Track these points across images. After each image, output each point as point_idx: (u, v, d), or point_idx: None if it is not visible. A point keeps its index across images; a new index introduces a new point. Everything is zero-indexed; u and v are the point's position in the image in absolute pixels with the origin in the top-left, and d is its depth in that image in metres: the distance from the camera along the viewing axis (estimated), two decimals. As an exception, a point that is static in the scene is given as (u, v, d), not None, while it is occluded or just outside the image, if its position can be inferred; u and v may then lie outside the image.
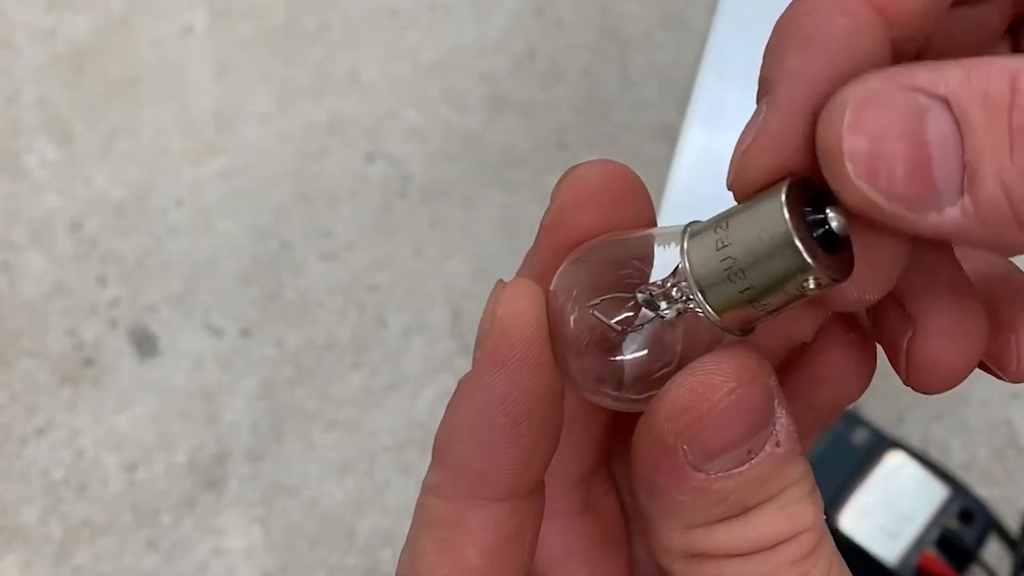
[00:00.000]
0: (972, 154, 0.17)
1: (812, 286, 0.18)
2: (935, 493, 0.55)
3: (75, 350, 0.70)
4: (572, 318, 0.21)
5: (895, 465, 0.56)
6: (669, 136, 0.75)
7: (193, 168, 0.77)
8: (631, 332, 0.20)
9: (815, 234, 0.19)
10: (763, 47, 0.21)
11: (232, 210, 0.75)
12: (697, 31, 0.80)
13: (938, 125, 0.17)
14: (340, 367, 0.69)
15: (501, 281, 0.21)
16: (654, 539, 0.21)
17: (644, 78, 0.78)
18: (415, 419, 0.67)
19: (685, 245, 0.20)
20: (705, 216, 0.21)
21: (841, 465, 0.56)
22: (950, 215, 0.17)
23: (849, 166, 0.18)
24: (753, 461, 0.19)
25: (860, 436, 0.57)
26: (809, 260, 0.18)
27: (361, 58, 0.81)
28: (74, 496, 0.65)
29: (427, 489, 0.21)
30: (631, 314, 0.20)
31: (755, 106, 0.21)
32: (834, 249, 0.19)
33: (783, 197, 0.18)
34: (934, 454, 0.62)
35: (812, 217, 0.19)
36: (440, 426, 0.21)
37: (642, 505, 0.21)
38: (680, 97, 0.77)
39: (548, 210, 0.23)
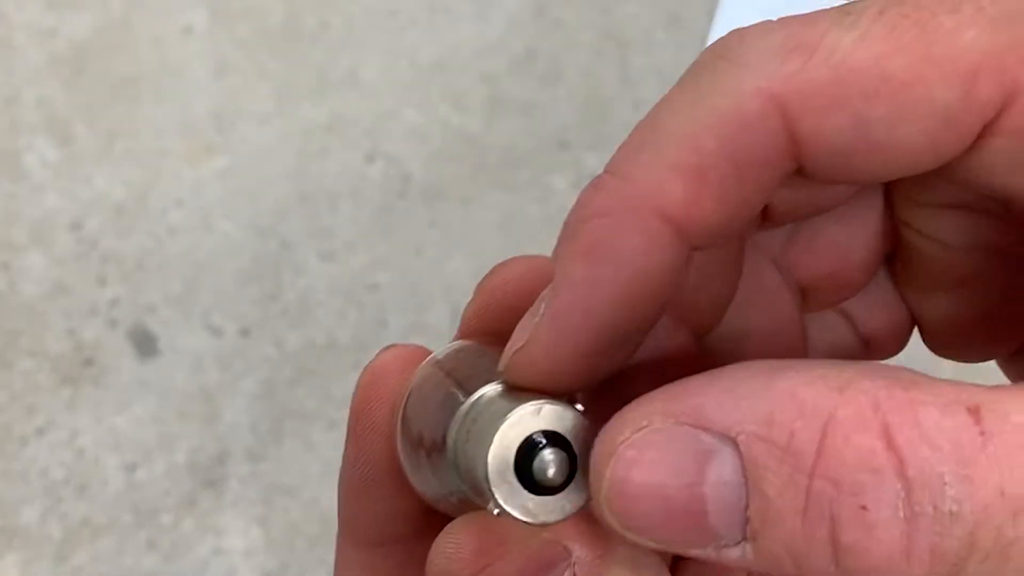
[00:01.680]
0: (757, 515, 0.15)
1: (495, 512, 0.18)
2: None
3: (75, 350, 0.70)
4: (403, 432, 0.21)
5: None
6: (669, 136, 0.75)
7: (193, 168, 0.77)
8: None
9: (527, 469, 0.17)
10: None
11: (232, 210, 0.75)
12: (697, 31, 0.80)
13: (721, 472, 0.15)
14: (340, 367, 0.69)
15: (390, 346, 0.22)
16: None
17: (644, 78, 0.78)
18: (415, 419, 0.67)
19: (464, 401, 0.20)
20: None
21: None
22: (729, 553, 0.15)
23: (604, 508, 0.16)
24: None
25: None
26: (493, 492, 0.17)
27: (361, 58, 0.81)
28: (74, 496, 0.65)
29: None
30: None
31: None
32: (550, 491, 0.18)
33: (502, 425, 0.17)
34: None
35: (533, 448, 0.17)
36: None
37: None
38: (680, 97, 0.77)
39: (471, 303, 0.22)
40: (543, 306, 0.18)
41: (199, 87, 0.80)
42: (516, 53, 0.80)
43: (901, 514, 0.14)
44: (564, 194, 0.73)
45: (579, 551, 0.19)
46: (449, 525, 0.19)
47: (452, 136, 0.77)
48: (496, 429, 0.17)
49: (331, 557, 0.65)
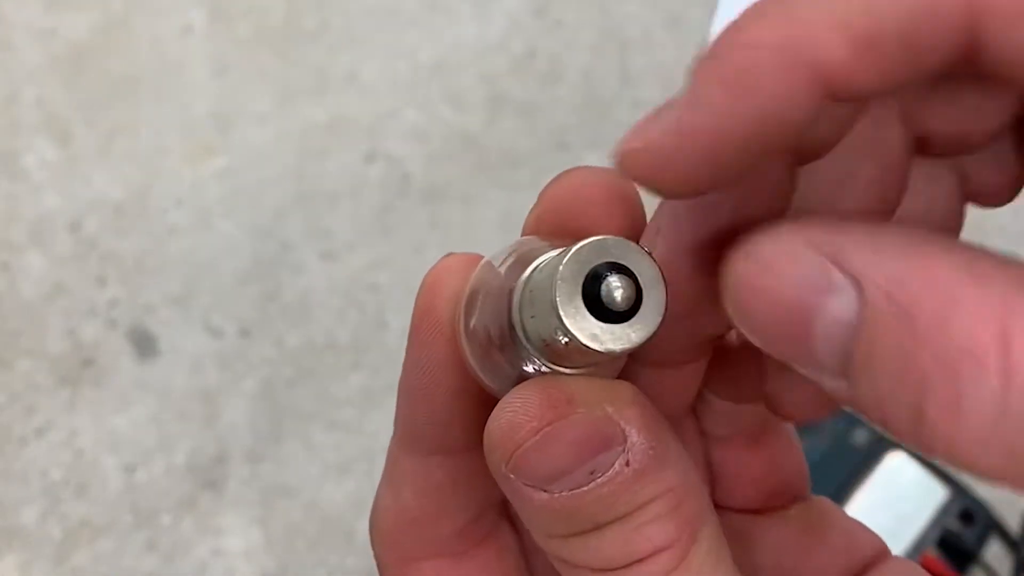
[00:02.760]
0: (859, 361, 0.16)
1: (564, 340, 0.18)
2: (935, 494, 0.55)
3: (74, 350, 0.70)
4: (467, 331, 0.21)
5: (895, 466, 0.56)
6: (669, 136, 0.75)
7: (193, 168, 0.77)
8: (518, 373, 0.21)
9: (593, 295, 0.18)
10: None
11: (232, 210, 0.75)
12: (697, 31, 0.80)
13: (839, 308, 0.16)
14: (340, 367, 0.69)
15: (450, 254, 0.21)
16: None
17: (644, 78, 0.78)
18: (415, 419, 0.67)
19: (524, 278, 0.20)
20: None
21: (841, 465, 0.56)
22: (828, 382, 0.16)
23: (727, 296, 0.17)
24: (598, 480, 0.19)
25: (860, 437, 0.57)
26: (561, 317, 0.18)
27: (361, 58, 0.81)
28: (74, 496, 0.65)
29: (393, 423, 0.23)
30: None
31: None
32: (618, 319, 0.18)
33: (563, 264, 0.18)
34: (935, 454, 0.62)
35: (599, 277, 0.18)
36: None
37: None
38: (680, 97, 0.77)
39: (533, 209, 0.23)
40: (669, 115, 0.18)
41: (199, 87, 0.80)
42: (516, 53, 0.80)
43: (991, 409, 0.14)
44: (564, 194, 0.73)
45: (635, 438, 0.19)
46: (517, 387, 0.20)
47: (452, 136, 0.77)
48: (562, 261, 0.18)
49: (331, 557, 0.65)
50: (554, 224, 0.22)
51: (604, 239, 0.18)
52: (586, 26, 0.81)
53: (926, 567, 0.53)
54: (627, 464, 0.19)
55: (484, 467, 0.21)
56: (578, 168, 0.22)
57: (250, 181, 0.76)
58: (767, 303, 0.17)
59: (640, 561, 0.19)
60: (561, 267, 0.18)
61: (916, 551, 0.53)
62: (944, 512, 0.54)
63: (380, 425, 0.67)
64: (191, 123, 0.78)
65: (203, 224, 0.74)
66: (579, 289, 0.18)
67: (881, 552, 0.24)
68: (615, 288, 0.18)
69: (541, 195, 0.22)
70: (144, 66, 0.81)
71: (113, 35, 0.83)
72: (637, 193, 0.21)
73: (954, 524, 0.54)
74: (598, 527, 0.19)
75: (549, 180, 0.21)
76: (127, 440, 0.67)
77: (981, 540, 0.55)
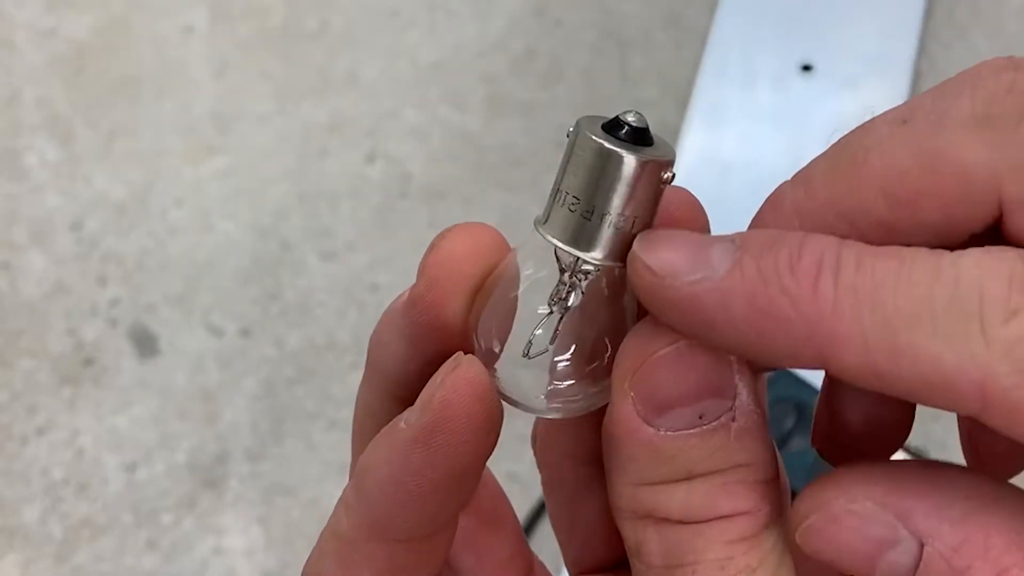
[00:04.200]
0: None
1: (639, 172, 0.20)
2: (935, 493, 0.55)
3: (75, 350, 0.70)
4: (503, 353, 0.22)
5: (895, 465, 0.56)
6: (669, 136, 0.75)
7: (193, 168, 0.77)
8: (555, 340, 0.21)
9: (621, 135, 0.20)
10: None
11: (232, 210, 0.75)
12: (697, 31, 0.80)
13: (899, 558, 0.19)
14: (340, 367, 0.69)
15: (459, 355, 0.21)
16: (611, 498, 0.21)
17: (644, 78, 0.78)
18: (415, 419, 0.67)
19: (539, 227, 0.21)
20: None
21: (841, 465, 0.56)
22: None
23: (804, 548, 0.19)
24: (704, 427, 0.20)
25: (860, 436, 0.57)
26: (623, 151, 0.20)
27: (361, 58, 0.81)
28: (74, 496, 0.65)
29: (341, 499, 0.23)
30: (549, 326, 0.21)
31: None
32: (645, 142, 0.20)
33: (581, 127, 0.20)
34: (934, 454, 0.62)
35: (609, 125, 0.20)
36: (366, 451, 0.22)
37: (605, 463, 0.21)
38: (680, 97, 0.77)
39: (417, 283, 0.23)
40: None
41: (199, 87, 0.80)
42: (516, 53, 0.80)
43: None
44: (564, 194, 0.73)
45: (744, 397, 0.20)
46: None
47: (452, 136, 0.77)
48: (579, 131, 0.20)
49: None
50: (442, 293, 0.22)
51: (583, 118, 0.21)
52: (586, 26, 0.81)
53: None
54: (733, 419, 0.20)
55: (447, 540, 0.22)
56: (458, 227, 0.23)
57: (250, 181, 0.76)
58: (840, 549, 0.19)
59: (722, 518, 0.20)
60: (582, 129, 0.20)
61: (915, 550, 0.53)
62: (943, 511, 0.54)
63: (380, 424, 0.67)
64: (192, 123, 0.78)
65: (203, 224, 0.74)
66: (616, 137, 0.20)
67: None
68: (628, 114, 0.20)
69: (422, 266, 0.23)
70: (145, 66, 0.81)
71: (114, 35, 0.83)
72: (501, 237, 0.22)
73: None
74: (690, 477, 0.20)
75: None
76: (128, 439, 0.67)
77: (980, 539, 0.55)
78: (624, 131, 0.20)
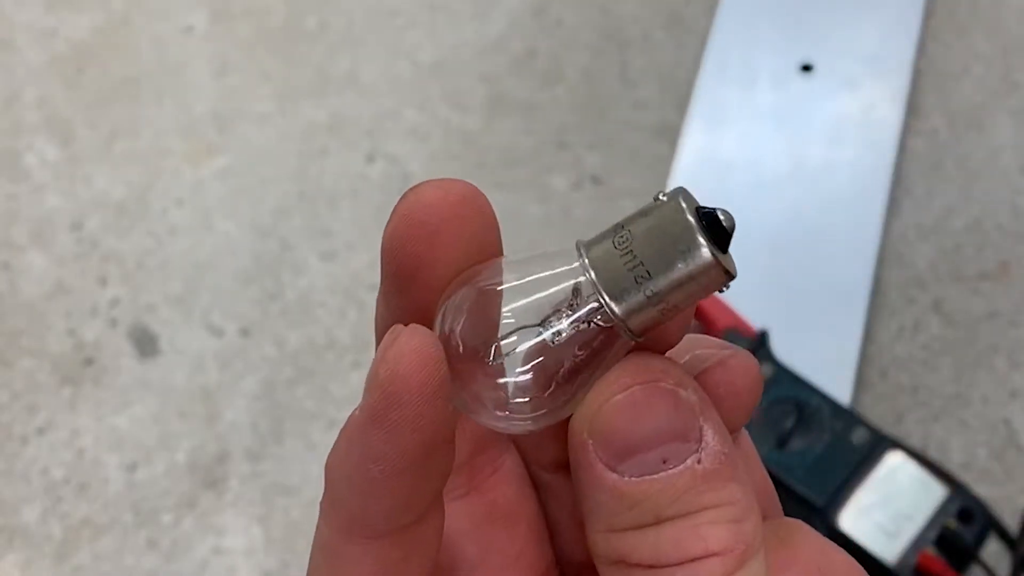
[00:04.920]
0: None
1: (687, 270, 0.20)
2: (934, 493, 0.55)
3: (75, 350, 0.70)
4: (467, 349, 0.21)
5: (894, 465, 0.56)
6: (669, 136, 0.75)
7: (193, 168, 0.77)
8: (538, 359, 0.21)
9: (706, 224, 0.20)
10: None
11: (232, 210, 0.75)
12: (697, 31, 0.80)
13: None
14: (340, 367, 0.69)
15: (398, 327, 0.20)
16: (589, 543, 0.21)
17: (644, 78, 0.78)
18: (415, 419, 0.67)
19: (585, 255, 0.20)
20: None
21: (841, 465, 0.56)
22: None
23: None
24: (669, 471, 0.20)
25: (859, 436, 0.57)
26: (704, 248, 0.19)
27: (361, 58, 0.81)
28: (74, 496, 0.65)
29: (320, 510, 0.22)
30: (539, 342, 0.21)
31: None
32: (724, 249, 0.20)
33: (681, 201, 0.20)
34: (933, 454, 0.62)
35: (705, 216, 0.20)
36: (329, 453, 0.22)
37: (578, 507, 0.21)
38: (680, 97, 0.77)
39: (388, 224, 0.22)
40: None
41: (199, 87, 0.80)
42: (516, 53, 0.80)
43: None
44: (564, 194, 0.73)
45: (710, 438, 0.20)
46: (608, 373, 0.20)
47: (452, 136, 0.77)
48: (678, 206, 0.20)
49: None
50: (410, 240, 0.21)
51: (681, 189, 0.20)
52: (586, 26, 0.81)
53: (925, 566, 0.53)
54: (699, 462, 0.20)
55: (435, 528, 0.22)
56: (429, 182, 0.22)
57: (250, 181, 0.76)
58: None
59: (691, 561, 0.20)
60: (682, 203, 0.20)
61: (915, 550, 0.53)
62: (943, 511, 0.54)
63: (380, 424, 0.67)
64: (192, 123, 0.78)
65: (204, 224, 0.74)
66: (707, 232, 0.20)
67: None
68: (723, 216, 0.20)
69: (394, 212, 0.22)
70: (145, 66, 0.81)
71: (114, 36, 0.83)
72: (485, 200, 0.22)
73: (953, 523, 0.54)
74: (658, 521, 0.20)
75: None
76: (128, 439, 0.67)
77: (980, 539, 0.55)
78: (712, 226, 0.20)
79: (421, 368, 0.19)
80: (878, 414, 0.64)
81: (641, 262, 0.20)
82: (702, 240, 0.19)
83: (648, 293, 0.20)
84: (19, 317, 0.71)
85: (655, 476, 0.20)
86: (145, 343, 0.70)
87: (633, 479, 0.20)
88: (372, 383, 0.20)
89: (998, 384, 0.65)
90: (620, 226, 0.20)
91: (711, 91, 0.77)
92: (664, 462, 0.20)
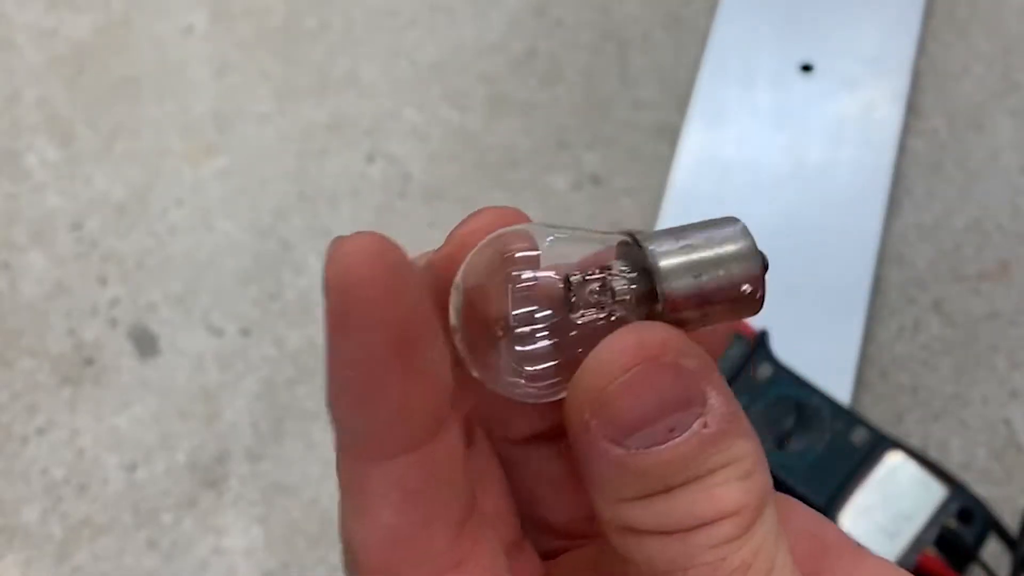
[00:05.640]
0: None
1: (749, 291, 0.20)
2: (934, 493, 0.55)
3: (75, 350, 0.70)
4: (484, 307, 0.21)
5: (894, 465, 0.56)
6: (669, 136, 0.75)
7: (193, 168, 0.77)
8: (555, 326, 0.21)
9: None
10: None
11: (232, 210, 0.75)
12: (697, 31, 0.80)
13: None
14: (340, 367, 0.69)
15: (338, 238, 0.20)
16: (595, 509, 0.21)
17: (644, 78, 0.78)
18: (415, 419, 0.67)
19: (647, 244, 0.21)
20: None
21: (840, 465, 0.56)
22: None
23: None
24: (675, 440, 0.19)
25: (859, 436, 0.57)
26: (759, 267, 0.21)
27: (361, 58, 0.81)
28: (74, 496, 0.65)
29: (336, 448, 0.22)
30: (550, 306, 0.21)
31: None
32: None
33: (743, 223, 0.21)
34: (933, 454, 0.62)
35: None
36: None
37: (582, 479, 0.21)
38: (680, 97, 0.77)
39: (443, 247, 0.23)
40: None
41: (199, 87, 0.80)
42: (516, 53, 0.80)
43: None
44: (564, 194, 0.73)
45: (715, 400, 0.20)
46: (613, 333, 0.20)
47: (452, 136, 0.77)
48: (738, 229, 0.21)
49: (332, 556, 0.65)
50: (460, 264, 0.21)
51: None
52: (586, 26, 0.81)
53: (925, 566, 0.53)
54: (705, 426, 0.19)
55: (454, 452, 0.21)
56: (487, 208, 0.23)
57: (250, 181, 0.76)
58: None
59: (705, 525, 0.20)
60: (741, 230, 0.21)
61: (915, 550, 0.53)
62: (943, 511, 0.54)
63: (380, 424, 0.67)
64: (192, 123, 0.78)
65: (204, 224, 0.74)
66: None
67: (844, 546, 0.24)
68: (763, 254, 0.21)
69: (451, 236, 0.22)
70: (145, 66, 0.81)
71: (114, 35, 0.83)
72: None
73: (953, 523, 0.54)
74: (668, 489, 0.20)
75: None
76: (128, 439, 0.67)
77: (980, 539, 0.55)
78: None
79: (371, 262, 0.19)
80: (878, 414, 0.64)
81: (689, 242, 0.20)
82: (751, 236, 0.21)
83: (701, 285, 0.20)
84: (19, 317, 0.71)
85: (662, 446, 0.19)
86: (145, 343, 0.70)
87: (640, 451, 0.19)
88: (324, 288, 0.19)
89: (998, 384, 0.65)
90: (677, 228, 0.21)
91: (711, 91, 0.77)
92: (671, 431, 0.19)
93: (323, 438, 0.67)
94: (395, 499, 0.21)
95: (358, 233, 0.19)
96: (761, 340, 0.61)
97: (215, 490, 0.65)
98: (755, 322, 0.62)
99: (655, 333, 0.20)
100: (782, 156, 0.74)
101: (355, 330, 0.19)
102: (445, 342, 0.20)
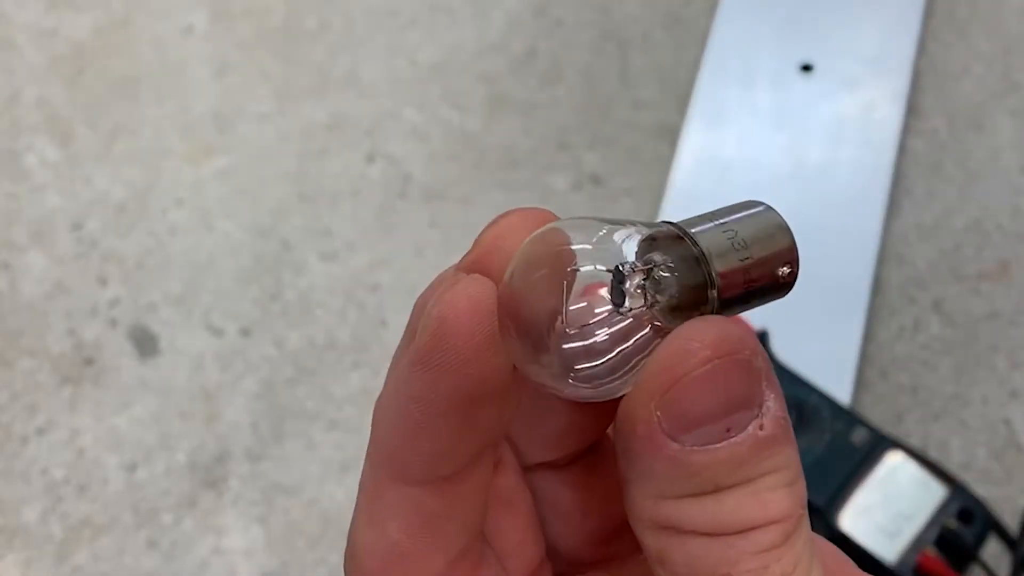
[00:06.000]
0: None
1: (787, 272, 0.21)
2: (934, 492, 0.55)
3: (75, 350, 0.70)
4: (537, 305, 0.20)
5: (894, 465, 0.56)
6: (669, 136, 0.75)
7: (193, 168, 0.77)
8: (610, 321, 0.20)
9: None
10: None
11: (232, 210, 0.75)
12: (697, 31, 0.80)
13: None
14: (340, 367, 0.69)
15: (457, 271, 0.20)
16: (628, 505, 0.20)
17: (644, 78, 0.78)
18: (415, 419, 0.67)
19: (690, 230, 0.21)
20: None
21: (841, 465, 0.56)
22: None
23: None
24: (732, 440, 0.19)
25: (859, 436, 0.57)
26: (795, 247, 0.21)
27: (361, 58, 0.81)
28: (74, 496, 0.65)
29: (367, 454, 0.22)
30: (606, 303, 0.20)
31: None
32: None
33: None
34: (933, 453, 0.62)
35: None
36: (379, 395, 0.21)
37: (620, 469, 0.21)
38: (680, 97, 0.77)
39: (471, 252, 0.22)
40: None
41: (199, 87, 0.80)
42: (516, 53, 0.80)
43: None
44: (564, 194, 0.73)
45: (772, 403, 0.19)
46: (688, 322, 0.20)
47: (452, 136, 0.77)
48: (778, 216, 0.22)
49: (332, 557, 0.65)
50: (491, 266, 0.21)
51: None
52: (586, 26, 0.81)
53: (925, 566, 0.53)
54: (760, 428, 0.19)
55: (480, 486, 0.21)
56: (515, 210, 0.22)
57: (250, 181, 0.76)
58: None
59: (753, 529, 0.19)
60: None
61: (915, 550, 0.53)
62: (943, 511, 0.54)
63: (380, 424, 0.67)
64: (192, 123, 0.78)
65: (204, 224, 0.74)
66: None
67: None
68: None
69: (479, 239, 0.22)
70: (145, 66, 0.81)
71: (114, 35, 0.83)
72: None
73: (953, 523, 0.54)
74: (718, 489, 0.19)
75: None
76: (128, 439, 0.67)
77: (980, 539, 0.55)
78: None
79: (473, 315, 0.19)
80: (878, 414, 0.64)
81: (745, 242, 0.21)
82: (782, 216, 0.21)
83: (746, 267, 0.21)
84: (19, 317, 0.71)
85: (718, 445, 0.19)
86: (145, 343, 0.70)
87: (695, 448, 0.19)
88: (423, 323, 0.20)
89: (998, 384, 0.65)
90: (712, 214, 0.21)
91: (711, 91, 0.77)
92: (728, 431, 0.19)
93: (323, 438, 0.67)
94: (407, 517, 0.21)
95: (475, 279, 0.20)
96: (761, 340, 0.61)
97: (215, 490, 0.65)
98: (755, 322, 0.62)
99: (733, 328, 0.20)
100: (782, 156, 0.74)
101: (437, 370, 0.20)
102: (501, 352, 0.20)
